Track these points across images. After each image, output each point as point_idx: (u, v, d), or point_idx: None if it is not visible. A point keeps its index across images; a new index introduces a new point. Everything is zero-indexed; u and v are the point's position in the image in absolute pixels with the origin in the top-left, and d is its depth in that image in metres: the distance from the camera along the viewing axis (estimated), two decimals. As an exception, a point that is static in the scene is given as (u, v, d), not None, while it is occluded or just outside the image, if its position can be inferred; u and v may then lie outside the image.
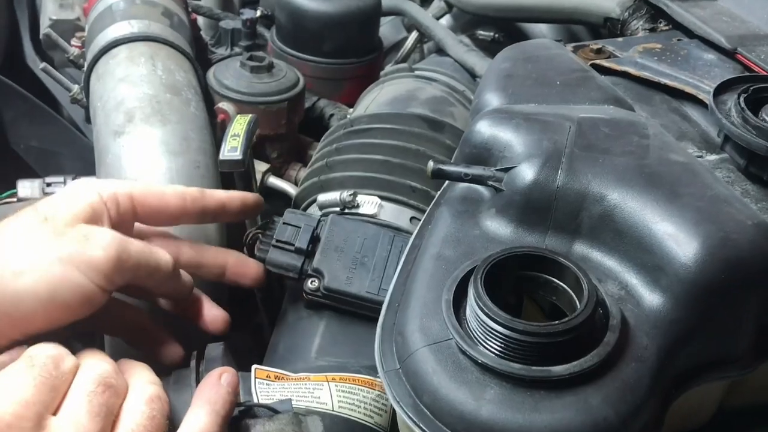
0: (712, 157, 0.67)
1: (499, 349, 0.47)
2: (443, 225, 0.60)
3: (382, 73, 1.01)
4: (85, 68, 0.89)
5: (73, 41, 1.09)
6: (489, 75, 0.71)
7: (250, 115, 0.75)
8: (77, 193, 0.54)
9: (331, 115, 1.05)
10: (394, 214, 0.75)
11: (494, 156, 0.61)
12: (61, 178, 0.93)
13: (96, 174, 0.76)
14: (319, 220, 0.72)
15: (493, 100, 0.68)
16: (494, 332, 0.47)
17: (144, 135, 0.75)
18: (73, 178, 0.93)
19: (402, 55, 1.21)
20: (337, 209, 0.75)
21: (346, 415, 0.61)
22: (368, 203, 0.75)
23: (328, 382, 0.63)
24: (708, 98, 0.69)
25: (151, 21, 0.90)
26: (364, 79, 1.09)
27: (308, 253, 0.70)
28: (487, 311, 0.47)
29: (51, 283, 0.48)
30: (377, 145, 0.80)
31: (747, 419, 0.67)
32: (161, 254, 0.58)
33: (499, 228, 0.58)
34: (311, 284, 0.69)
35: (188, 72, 0.86)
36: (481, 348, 0.48)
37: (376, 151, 0.79)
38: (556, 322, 0.47)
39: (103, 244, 0.52)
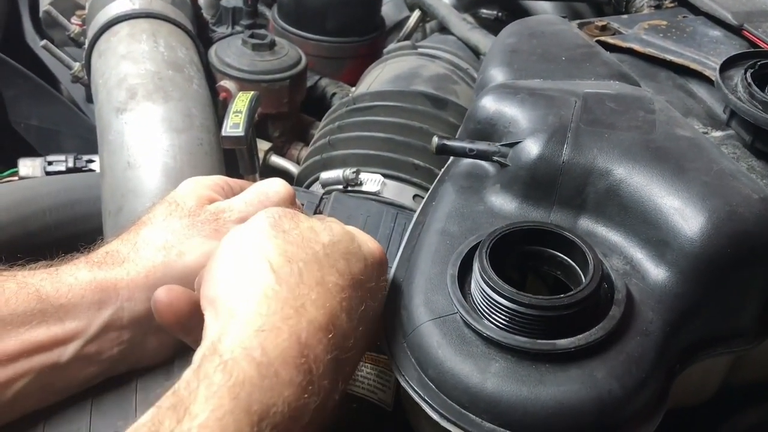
0: (718, 134, 0.66)
1: (504, 322, 0.47)
2: (448, 201, 0.60)
3: (384, 51, 1.00)
4: (86, 46, 0.88)
5: (74, 19, 1.08)
6: (494, 50, 0.71)
7: (252, 92, 0.75)
8: (196, 183, 0.59)
9: (333, 94, 1.05)
10: (397, 191, 0.75)
11: (499, 131, 0.61)
12: (62, 157, 0.92)
13: (98, 151, 0.76)
14: (322, 197, 0.72)
15: (498, 75, 0.67)
16: (499, 305, 0.47)
17: (147, 112, 0.74)
18: (75, 157, 0.93)
19: (404, 34, 1.21)
20: (340, 187, 0.75)
21: (348, 392, 0.61)
22: (371, 181, 0.75)
23: (331, 358, 0.63)
24: (714, 74, 0.68)
25: (152, -2, 0.90)
26: (366, 58, 1.09)
27: None
28: (492, 284, 0.47)
29: (205, 256, 0.53)
30: (380, 122, 0.80)
31: (750, 396, 0.67)
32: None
33: (504, 203, 0.58)
34: (315, 261, 0.69)
35: (190, 49, 0.85)
36: (486, 321, 0.48)
37: (378, 129, 0.79)
38: (562, 295, 0.47)
39: (231, 218, 0.56)
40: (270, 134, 0.97)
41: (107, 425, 0.52)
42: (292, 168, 0.92)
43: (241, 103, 0.73)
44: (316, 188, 0.78)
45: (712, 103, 0.71)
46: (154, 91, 0.75)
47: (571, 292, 0.47)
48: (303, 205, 0.70)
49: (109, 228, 0.73)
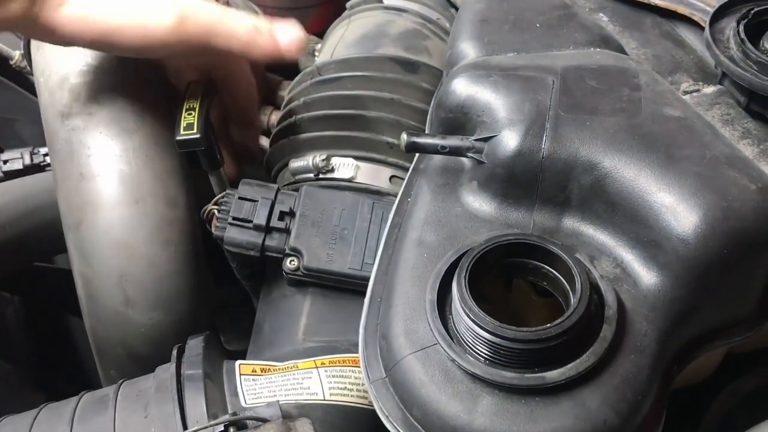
0: (710, 90, 0.61)
1: (488, 355, 0.44)
2: (423, 203, 0.56)
3: (348, 5, 0.92)
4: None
5: None
6: (463, 19, 0.64)
7: (203, 82, 0.69)
8: None
9: (299, 51, 0.98)
10: (372, 174, 0.71)
11: (472, 120, 0.56)
12: (17, 153, 0.87)
13: (50, 159, 0.71)
14: (278, 191, 0.67)
15: (468, 50, 0.62)
16: (482, 339, 0.44)
17: (93, 115, 0.69)
18: (32, 152, 0.88)
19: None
20: (311, 175, 0.70)
21: (338, 402, 0.59)
22: (343, 166, 0.70)
23: (317, 368, 0.61)
24: (704, 19, 0.63)
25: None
26: (330, 4, 1.01)
27: (268, 229, 0.65)
28: (473, 318, 0.44)
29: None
30: (348, 97, 0.74)
31: (750, 361, 0.65)
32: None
33: (482, 204, 0.54)
34: (290, 264, 0.65)
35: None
36: (470, 357, 0.45)
37: (347, 105, 0.74)
38: (548, 325, 0.43)
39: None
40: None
41: None
42: (265, 143, 0.86)
43: (193, 99, 0.67)
44: (286, 176, 0.73)
45: (703, 51, 0.65)
46: (99, 91, 0.69)
47: (558, 321, 0.43)
48: (257, 202, 0.66)
49: (72, 243, 0.69)
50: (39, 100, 0.73)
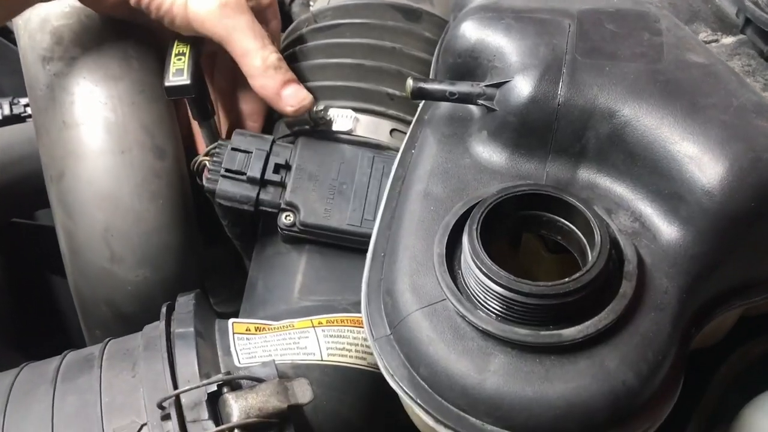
0: (729, 40, 0.58)
1: (501, 311, 0.42)
2: (429, 153, 0.53)
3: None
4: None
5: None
6: (470, -40, 0.61)
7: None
8: None
9: (292, 1, 0.93)
10: (372, 127, 0.67)
11: (483, 66, 0.52)
12: (-6, 103, 0.83)
13: (30, 107, 0.67)
14: (273, 141, 0.64)
15: (476, -8, 0.58)
16: (495, 294, 0.41)
17: (76, 59, 0.64)
18: (11, 102, 0.83)
19: None
20: (308, 127, 0.67)
21: (336, 363, 0.56)
22: (342, 118, 0.66)
23: (314, 327, 0.58)
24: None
25: None
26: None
27: (263, 182, 0.62)
28: (486, 271, 0.41)
29: None
30: (346, 45, 0.70)
31: (763, 324, 0.63)
32: None
33: (492, 154, 0.51)
34: (286, 219, 0.62)
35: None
36: (481, 312, 0.42)
37: (345, 54, 0.70)
38: (566, 279, 0.41)
39: None
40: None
41: None
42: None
43: (182, 43, 0.63)
44: (281, 128, 0.70)
45: (721, 1, 0.62)
46: (83, 34, 0.65)
47: (577, 275, 0.41)
48: (251, 153, 0.62)
49: (54, 196, 0.65)
50: (18, 44, 0.69)
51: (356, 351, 0.58)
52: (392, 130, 0.68)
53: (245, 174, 0.62)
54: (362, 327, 0.60)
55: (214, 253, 0.82)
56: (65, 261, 0.68)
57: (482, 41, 0.53)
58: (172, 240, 0.66)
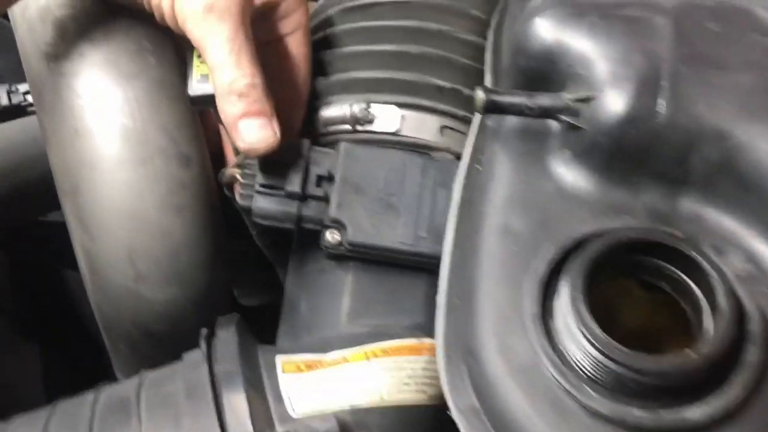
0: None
1: (612, 387, 0.36)
2: (502, 176, 0.46)
3: None
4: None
5: None
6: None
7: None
8: None
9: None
10: (419, 124, 0.60)
11: (562, 72, 0.46)
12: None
13: (35, 109, 0.59)
14: (311, 147, 0.57)
15: (548, -22, 0.50)
16: (606, 368, 0.36)
17: (85, 56, 0.57)
18: (9, 91, 0.75)
19: None
20: (347, 127, 0.60)
21: (396, 404, 0.51)
22: (386, 115, 0.59)
23: (368, 360, 0.53)
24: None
25: None
26: None
27: (303, 197, 0.56)
28: (599, 346, 0.35)
29: None
30: (386, 28, 0.62)
31: None
32: None
33: (578, 179, 0.44)
34: (331, 237, 0.56)
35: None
36: (587, 387, 0.37)
37: (384, 38, 0.62)
38: (691, 355, 0.35)
39: None
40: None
41: None
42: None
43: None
44: (315, 127, 0.62)
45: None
46: (90, 24, 0.57)
47: (706, 350, 0.35)
48: (288, 163, 0.55)
49: (69, 211, 0.59)
50: (16, 35, 0.60)
51: (415, 384, 0.53)
52: (442, 127, 0.61)
53: (283, 188, 0.55)
54: (419, 354, 0.55)
55: (237, 244, 0.76)
56: (85, 279, 0.62)
57: (561, 43, 0.45)
58: (201, 255, 0.60)
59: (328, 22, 0.65)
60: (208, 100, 0.53)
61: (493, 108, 0.45)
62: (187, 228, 0.59)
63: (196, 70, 0.54)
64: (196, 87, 0.53)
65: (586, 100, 0.43)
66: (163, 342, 0.63)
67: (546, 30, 0.46)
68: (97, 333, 0.68)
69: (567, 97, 0.44)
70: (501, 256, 0.42)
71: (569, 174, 0.45)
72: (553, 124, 0.46)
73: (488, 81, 0.56)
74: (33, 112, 0.76)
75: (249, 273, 0.82)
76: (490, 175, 0.47)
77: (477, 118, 0.53)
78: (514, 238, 0.43)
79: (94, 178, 0.57)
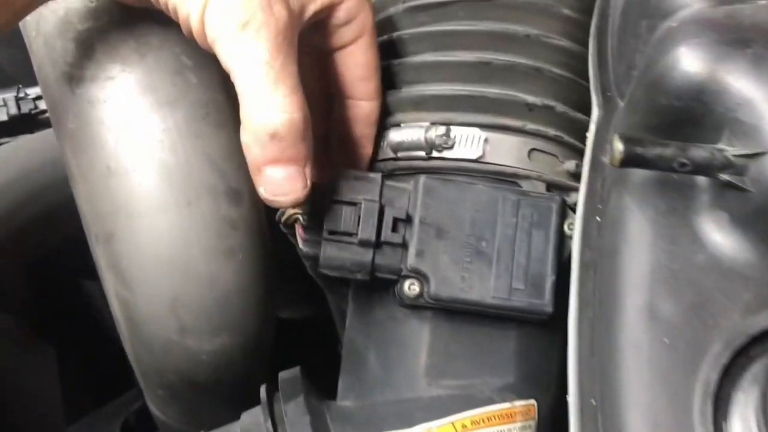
0: None
1: None
2: (640, 240, 0.38)
3: None
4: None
5: None
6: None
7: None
8: None
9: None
10: (505, 149, 0.51)
11: (717, 117, 0.37)
12: (-1, 100, 0.66)
13: (57, 139, 0.51)
14: (384, 182, 0.48)
15: (690, -10, 0.41)
16: None
17: (116, 80, 0.48)
18: (17, 97, 0.66)
19: None
20: (422, 153, 0.51)
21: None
22: (468, 139, 0.51)
23: (458, 434, 0.46)
24: None
25: None
26: None
27: (378, 243, 0.48)
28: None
29: None
30: (463, 33, 0.53)
31: None
32: None
33: (739, 251, 0.36)
34: (410, 289, 0.48)
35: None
36: None
37: (462, 45, 0.53)
38: None
39: None
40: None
41: None
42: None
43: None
44: (384, 152, 0.54)
45: None
46: (118, 39, 0.48)
47: None
48: (359, 205, 0.47)
49: (102, 259, 0.51)
50: (30, 50, 0.51)
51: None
52: (532, 150, 0.52)
53: (356, 235, 0.47)
54: (513, 421, 0.49)
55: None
56: (119, 327, 0.55)
57: (717, 81, 0.37)
58: (253, 300, 0.53)
59: (390, 24, 0.56)
60: None
61: (634, 161, 0.36)
62: (239, 273, 0.52)
63: None
64: None
65: (753, 156, 0.35)
66: (207, 389, 0.56)
67: (695, 63, 0.37)
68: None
69: (729, 151, 0.36)
70: (649, 349, 0.35)
71: (727, 242, 0.37)
72: (701, 177, 0.38)
73: (596, 105, 0.47)
74: (46, 120, 0.67)
75: (285, 285, 0.75)
76: (620, 235, 0.39)
77: (588, 153, 0.45)
78: (663, 326, 0.35)
79: (132, 225, 0.48)
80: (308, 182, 0.44)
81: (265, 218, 0.53)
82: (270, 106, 0.42)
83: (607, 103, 0.47)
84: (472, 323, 0.50)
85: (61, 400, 0.95)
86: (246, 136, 0.43)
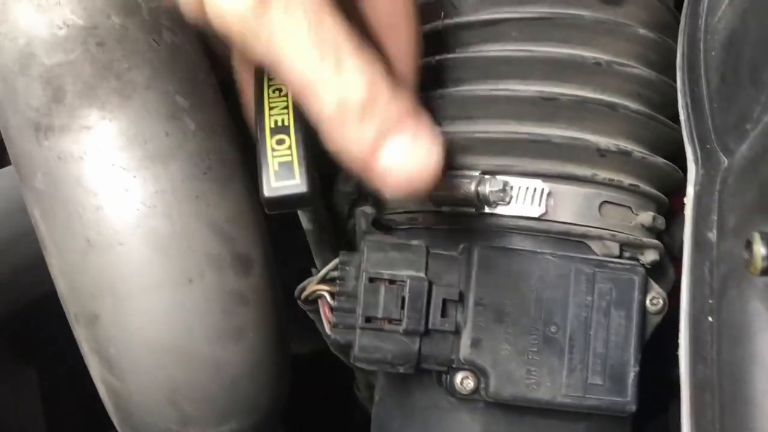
0: None
1: None
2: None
3: None
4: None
5: None
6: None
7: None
8: None
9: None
10: (573, 203, 0.42)
11: None
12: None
13: (26, 201, 0.41)
14: (429, 252, 0.39)
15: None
16: None
17: (93, 129, 0.38)
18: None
19: None
20: (470, 210, 0.42)
21: None
22: (528, 193, 0.42)
23: None
24: None
25: None
26: None
27: (426, 332, 0.39)
28: None
29: None
30: (519, 60, 0.44)
31: None
32: None
33: None
34: (463, 384, 0.39)
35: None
36: None
37: (517, 73, 0.44)
38: None
39: None
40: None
41: None
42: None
43: (279, 108, 0.36)
44: (424, 203, 0.44)
45: None
46: (95, 75, 0.38)
47: None
48: (402, 284, 0.38)
49: (85, 342, 0.42)
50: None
51: None
52: (602, 204, 0.43)
53: (399, 322, 0.38)
54: None
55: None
56: (110, 413, 0.46)
57: None
58: (263, 380, 0.45)
59: (428, 44, 0.46)
60: (294, 202, 0.35)
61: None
62: (248, 354, 0.43)
63: (271, 156, 0.35)
64: (276, 185, 0.35)
65: None
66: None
67: None
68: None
69: None
70: None
71: None
72: None
73: (691, 160, 0.38)
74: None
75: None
76: (748, 350, 0.30)
77: (688, 226, 0.36)
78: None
79: (120, 307, 0.39)
80: (436, 145, 0.34)
81: (278, 284, 0.44)
82: (339, 79, 0.32)
83: (707, 159, 0.38)
84: (533, 416, 0.41)
85: (45, 428, 0.89)
86: (333, 132, 0.33)
